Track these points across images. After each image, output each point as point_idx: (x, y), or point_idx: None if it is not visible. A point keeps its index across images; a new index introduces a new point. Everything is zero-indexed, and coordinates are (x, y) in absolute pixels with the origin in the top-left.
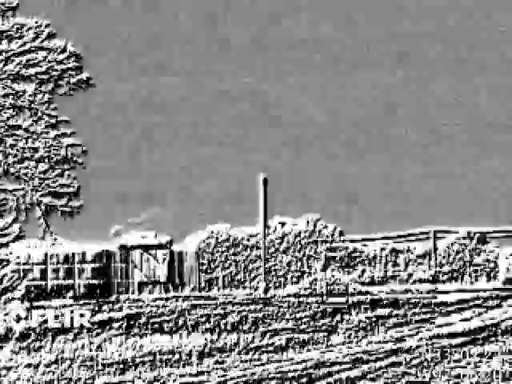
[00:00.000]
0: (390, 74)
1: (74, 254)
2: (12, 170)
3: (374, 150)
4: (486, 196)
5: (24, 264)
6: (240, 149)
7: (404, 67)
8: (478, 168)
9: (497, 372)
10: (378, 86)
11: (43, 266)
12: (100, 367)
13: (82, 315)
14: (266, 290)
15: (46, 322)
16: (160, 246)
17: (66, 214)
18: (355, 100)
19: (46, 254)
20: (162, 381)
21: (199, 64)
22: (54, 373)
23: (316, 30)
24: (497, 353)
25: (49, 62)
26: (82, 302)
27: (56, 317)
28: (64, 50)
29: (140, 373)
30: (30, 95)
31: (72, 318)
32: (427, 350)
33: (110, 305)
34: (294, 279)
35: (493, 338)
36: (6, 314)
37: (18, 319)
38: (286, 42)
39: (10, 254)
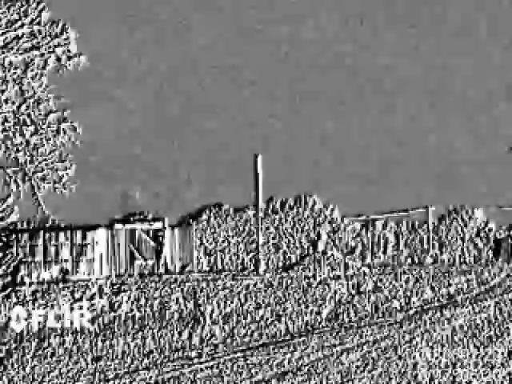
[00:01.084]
0: None
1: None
2: (3, 147)
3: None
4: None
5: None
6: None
7: None
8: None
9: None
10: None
11: None
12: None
13: (82, 315)
14: (265, 270)
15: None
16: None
17: (57, 189)
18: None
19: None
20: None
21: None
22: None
23: None
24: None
25: (38, 34)
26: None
27: (56, 317)
28: (54, 23)
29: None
30: (19, 68)
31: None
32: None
33: None
34: (295, 259)
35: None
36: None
37: (18, 319)
38: None
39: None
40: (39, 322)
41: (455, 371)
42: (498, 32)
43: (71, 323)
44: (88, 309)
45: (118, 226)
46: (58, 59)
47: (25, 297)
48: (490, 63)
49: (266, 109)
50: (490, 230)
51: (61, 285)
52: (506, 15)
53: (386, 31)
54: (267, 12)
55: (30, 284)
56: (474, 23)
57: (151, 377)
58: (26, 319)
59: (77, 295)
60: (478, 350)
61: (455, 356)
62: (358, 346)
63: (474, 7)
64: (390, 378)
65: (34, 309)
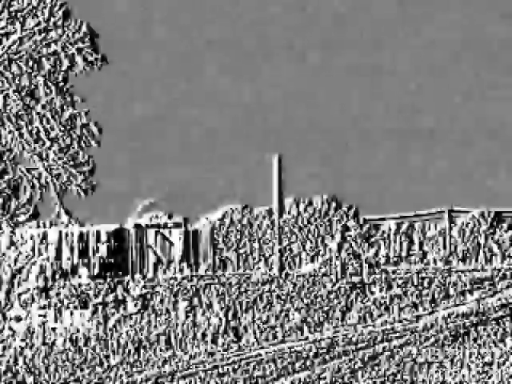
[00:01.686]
0: None
1: (88, 234)
2: (27, 148)
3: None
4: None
5: (39, 243)
6: (254, 129)
7: None
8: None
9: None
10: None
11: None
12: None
13: (81, 315)
14: (281, 270)
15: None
16: (175, 226)
17: (80, 194)
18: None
19: (60, 234)
20: (176, 360)
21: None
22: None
23: None
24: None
25: (64, 41)
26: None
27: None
28: (79, 29)
29: (155, 351)
30: (43, 75)
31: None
32: (441, 330)
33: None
34: (309, 258)
35: (508, 318)
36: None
37: (18, 319)
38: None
39: (26, 233)
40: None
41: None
42: None
43: (71, 323)
44: (92, 310)
45: (135, 226)
46: (85, 58)
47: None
48: None
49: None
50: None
51: (67, 285)
52: None
53: None
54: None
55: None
56: None
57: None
58: (25, 319)
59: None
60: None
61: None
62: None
63: None
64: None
65: (33, 309)
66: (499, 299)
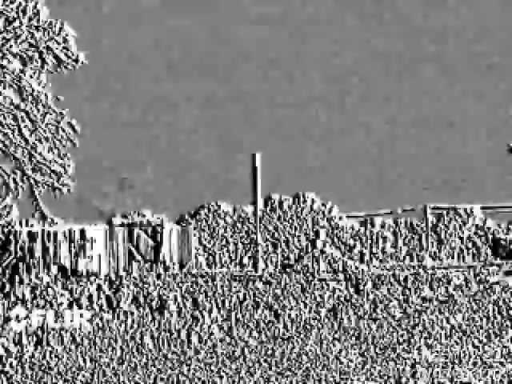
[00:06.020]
0: None
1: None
2: (4, 148)
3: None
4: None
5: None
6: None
7: None
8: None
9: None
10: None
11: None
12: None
13: (81, 315)
14: (264, 268)
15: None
16: (155, 225)
17: (57, 192)
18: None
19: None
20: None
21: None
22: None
23: None
24: None
25: (36, 38)
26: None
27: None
28: (50, 26)
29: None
30: (15, 72)
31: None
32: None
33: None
34: (293, 257)
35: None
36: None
37: (18, 319)
38: None
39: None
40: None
41: (454, 370)
42: None
43: (71, 323)
44: (87, 308)
45: (116, 223)
46: (56, 57)
47: (24, 296)
48: None
49: (265, 107)
50: (488, 228)
51: (59, 284)
52: None
53: None
54: None
55: (29, 283)
56: None
57: (150, 376)
58: (25, 319)
59: (75, 295)
60: (478, 350)
61: (454, 355)
62: (357, 344)
63: None
64: (388, 377)
65: (33, 308)
66: None
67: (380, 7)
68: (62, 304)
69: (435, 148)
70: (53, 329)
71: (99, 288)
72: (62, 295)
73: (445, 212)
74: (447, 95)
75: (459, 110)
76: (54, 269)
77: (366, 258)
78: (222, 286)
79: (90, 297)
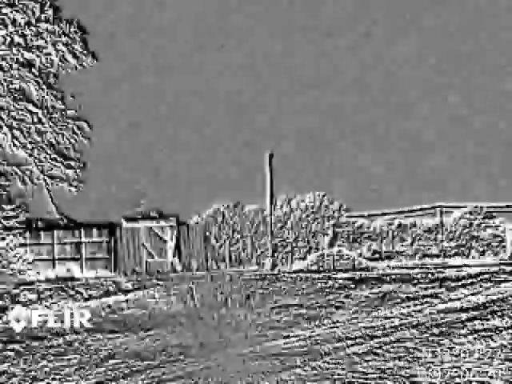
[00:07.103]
0: None
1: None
2: (18, 143)
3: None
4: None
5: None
6: (247, 127)
7: None
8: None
9: (504, 346)
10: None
11: None
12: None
13: (82, 315)
14: (274, 266)
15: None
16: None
17: (70, 187)
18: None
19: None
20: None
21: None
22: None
23: None
24: (504, 328)
25: (54, 34)
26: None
27: (56, 317)
28: (70, 23)
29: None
30: (34, 74)
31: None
32: (433, 325)
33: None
34: (301, 255)
35: (500, 313)
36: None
37: (18, 319)
38: None
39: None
40: (39, 322)
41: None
42: None
43: (71, 323)
44: (90, 309)
45: (127, 224)
46: (65, 58)
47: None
48: None
49: (274, 107)
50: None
51: (69, 284)
52: None
53: None
54: None
55: (37, 283)
56: None
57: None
58: (25, 319)
59: (84, 295)
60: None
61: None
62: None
63: None
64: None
65: (34, 308)
66: (490, 294)
67: None
68: None
69: None
70: None
71: None
72: None
73: None
74: None
75: None
76: None
77: None
78: None
79: None
